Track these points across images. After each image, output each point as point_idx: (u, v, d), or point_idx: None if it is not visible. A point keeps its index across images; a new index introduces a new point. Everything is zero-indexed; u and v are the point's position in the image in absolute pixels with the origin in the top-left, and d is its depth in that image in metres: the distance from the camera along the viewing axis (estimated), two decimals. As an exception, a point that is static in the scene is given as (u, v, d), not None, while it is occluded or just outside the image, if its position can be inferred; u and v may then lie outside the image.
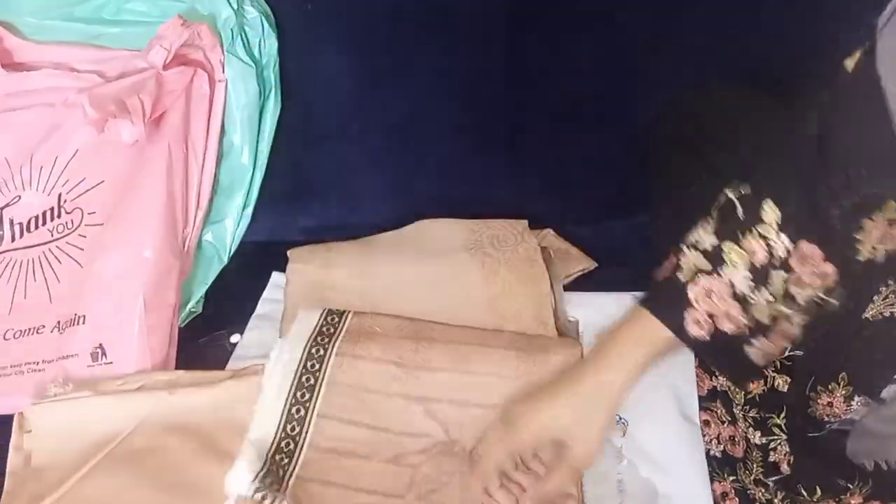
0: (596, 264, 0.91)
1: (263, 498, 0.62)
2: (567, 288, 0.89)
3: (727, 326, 0.59)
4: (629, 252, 0.93)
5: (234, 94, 0.90)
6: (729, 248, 0.59)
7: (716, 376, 0.78)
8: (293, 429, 0.71)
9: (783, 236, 0.57)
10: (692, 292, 0.60)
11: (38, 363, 0.81)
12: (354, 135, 0.98)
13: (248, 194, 0.94)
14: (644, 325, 0.62)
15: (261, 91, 0.92)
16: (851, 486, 0.64)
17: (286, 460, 0.69)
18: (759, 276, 0.58)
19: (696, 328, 0.60)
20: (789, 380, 0.72)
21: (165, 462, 0.70)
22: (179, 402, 0.74)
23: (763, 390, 0.74)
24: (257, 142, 0.93)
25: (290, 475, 0.68)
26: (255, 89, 0.90)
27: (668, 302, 0.61)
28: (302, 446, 0.70)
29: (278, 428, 0.71)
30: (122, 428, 0.73)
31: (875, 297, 0.66)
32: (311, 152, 0.99)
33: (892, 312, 0.64)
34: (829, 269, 0.58)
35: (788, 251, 0.58)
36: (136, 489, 0.69)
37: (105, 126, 0.84)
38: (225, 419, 0.72)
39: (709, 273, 0.59)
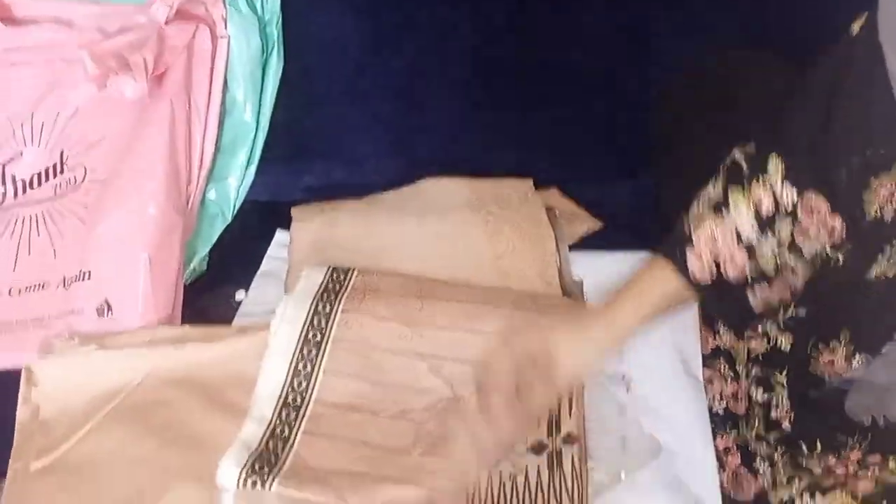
0: (601, 224, 0.91)
1: (254, 484, 0.62)
2: (572, 248, 0.88)
3: (731, 272, 0.60)
4: (634, 213, 0.93)
5: (237, 50, 0.89)
6: (736, 197, 0.60)
7: (719, 335, 0.78)
8: (300, 384, 0.71)
9: (788, 185, 0.58)
10: (698, 237, 0.60)
11: (44, 318, 0.81)
12: (358, 93, 0.98)
13: (251, 152, 0.94)
14: (654, 271, 0.63)
15: (263, 47, 0.91)
16: (851, 441, 0.65)
17: (293, 415, 0.69)
18: (765, 224, 0.59)
19: (700, 271, 0.60)
20: (792, 338, 0.73)
21: (171, 415, 0.71)
22: (185, 356, 0.75)
23: (766, 349, 0.74)
24: (260, 99, 0.92)
25: (298, 430, 0.68)
26: (258, 44, 0.89)
27: (675, 245, 0.62)
28: (308, 401, 0.70)
29: (285, 383, 0.71)
30: (129, 382, 0.74)
31: (880, 257, 0.66)
32: (314, 111, 0.99)
33: None
34: (837, 223, 0.58)
35: (795, 201, 0.58)
36: (143, 442, 0.69)
37: (107, 82, 0.83)
38: (231, 373, 0.73)
39: (715, 219, 0.60)
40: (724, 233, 0.60)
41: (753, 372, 0.74)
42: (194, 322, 0.81)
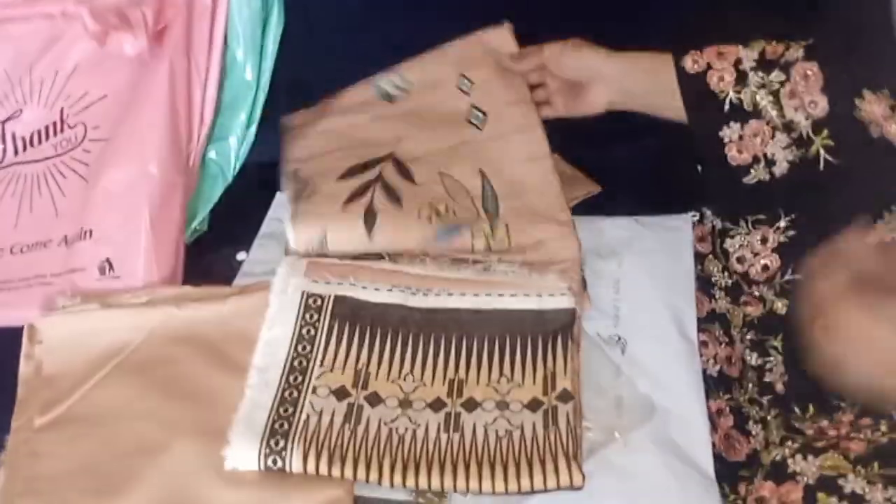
0: (600, 188, 0.91)
1: (275, 462, 0.63)
2: (572, 212, 0.88)
3: (716, 82, 0.71)
4: (634, 177, 0.93)
5: (237, 7, 0.88)
6: (752, 43, 0.72)
7: (715, 299, 0.79)
8: (304, 348, 0.72)
9: (798, 46, 0.69)
10: (700, 51, 0.73)
11: (46, 276, 0.82)
12: (359, 53, 0.97)
13: (251, 112, 0.93)
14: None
15: (264, 5, 0.89)
16: (843, 405, 0.66)
17: (300, 378, 0.70)
18: (763, 64, 0.70)
19: (691, 67, 0.72)
20: (788, 303, 0.74)
21: (175, 372, 0.71)
22: (188, 315, 0.75)
23: (762, 313, 0.75)
24: (260, 58, 0.91)
25: (307, 389, 0.69)
26: (259, 2, 0.88)
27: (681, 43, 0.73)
28: (314, 364, 0.71)
29: (292, 341, 0.71)
30: (131, 339, 0.74)
31: (880, 222, 0.67)
32: (315, 71, 0.98)
33: (893, 238, 0.65)
34: (823, 101, 0.66)
35: (797, 58, 0.68)
36: (146, 398, 0.70)
37: (107, 39, 0.82)
38: (233, 331, 0.73)
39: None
40: (727, 53, 0.71)
41: (748, 336, 0.75)
42: (196, 281, 0.82)
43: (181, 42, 0.85)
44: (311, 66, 0.97)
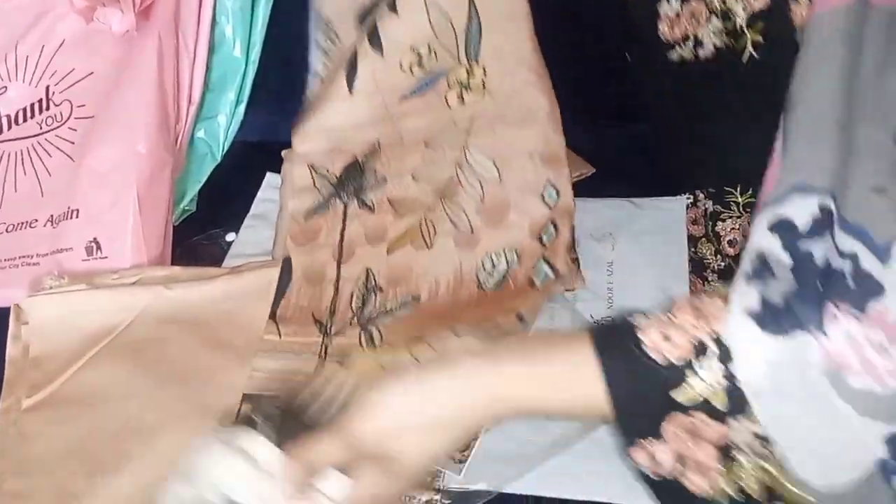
0: (594, 170, 0.90)
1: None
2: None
3: None
4: (627, 159, 0.92)
5: (226, -17, 0.87)
6: None
7: (708, 282, 0.79)
8: None
9: None
10: None
11: (32, 257, 0.81)
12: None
13: (240, 90, 0.92)
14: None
15: (253, -20, 0.88)
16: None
17: None
18: None
19: None
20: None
21: (165, 352, 0.71)
22: (177, 296, 0.74)
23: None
24: (249, 34, 0.90)
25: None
26: (248, -23, 0.87)
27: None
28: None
29: None
30: (120, 321, 0.73)
31: None
32: (306, 48, 0.96)
33: None
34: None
35: None
36: (136, 379, 0.70)
37: (94, 15, 0.81)
38: (223, 312, 0.73)
39: None
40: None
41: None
42: (184, 262, 0.81)
43: (169, 18, 0.84)
44: (300, 44, 0.96)
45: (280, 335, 0.72)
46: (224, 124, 0.91)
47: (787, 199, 0.43)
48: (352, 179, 0.81)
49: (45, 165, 0.84)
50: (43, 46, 0.87)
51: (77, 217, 0.80)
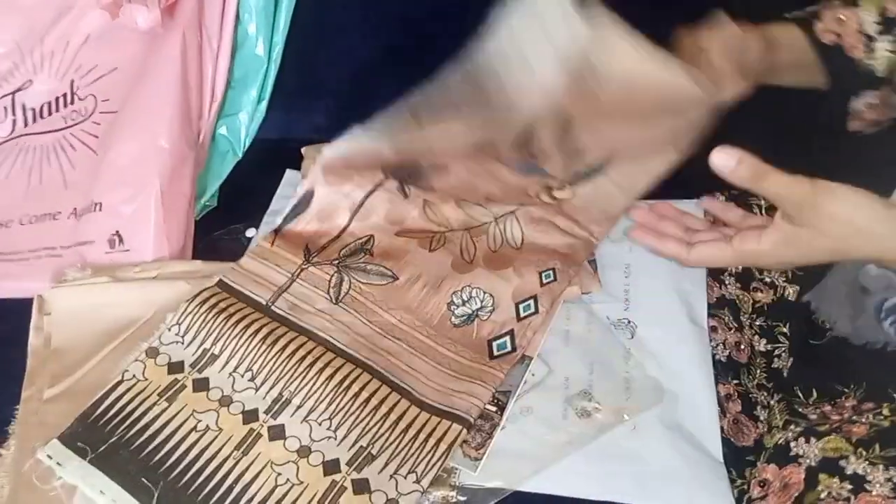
0: (601, 290, 0.88)
1: None
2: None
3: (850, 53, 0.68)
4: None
5: (250, -19, 0.88)
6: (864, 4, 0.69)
7: (725, 285, 0.79)
8: None
9: None
10: (825, 11, 0.69)
11: (55, 248, 0.82)
12: (371, 29, 0.96)
13: (262, 88, 0.93)
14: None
15: (276, -21, 0.89)
16: (846, 391, 0.66)
17: None
18: (888, 25, 0.66)
19: (822, 34, 0.68)
20: (798, 289, 0.74)
21: (184, 346, 0.71)
22: (197, 290, 0.75)
23: (772, 299, 0.75)
24: (272, 33, 0.91)
25: None
26: (271, -24, 0.88)
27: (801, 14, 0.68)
28: None
29: None
30: (141, 314, 0.74)
31: None
32: (326, 47, 0.97)
33: None
34: None
35: None
36: (156, 372, 0.70)
37: (119, 11, 0.82)
38: (243, 307, 0.73)
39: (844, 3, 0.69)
40: (850, 17, 0.67)
41: (757, 322, 0.75)
42: (205, 256, 0.82)
43: (193, 15, 0.85)
44: (321, 44, 0.96)
45: (272, 244, 0.78)
46: (245, 122, 0.92)
47: None
48: (405, 169, 0.82)
49: (70, 158, 0.86)
50: (68, 41, 0.88)
51: (100, 210, 0.81)
